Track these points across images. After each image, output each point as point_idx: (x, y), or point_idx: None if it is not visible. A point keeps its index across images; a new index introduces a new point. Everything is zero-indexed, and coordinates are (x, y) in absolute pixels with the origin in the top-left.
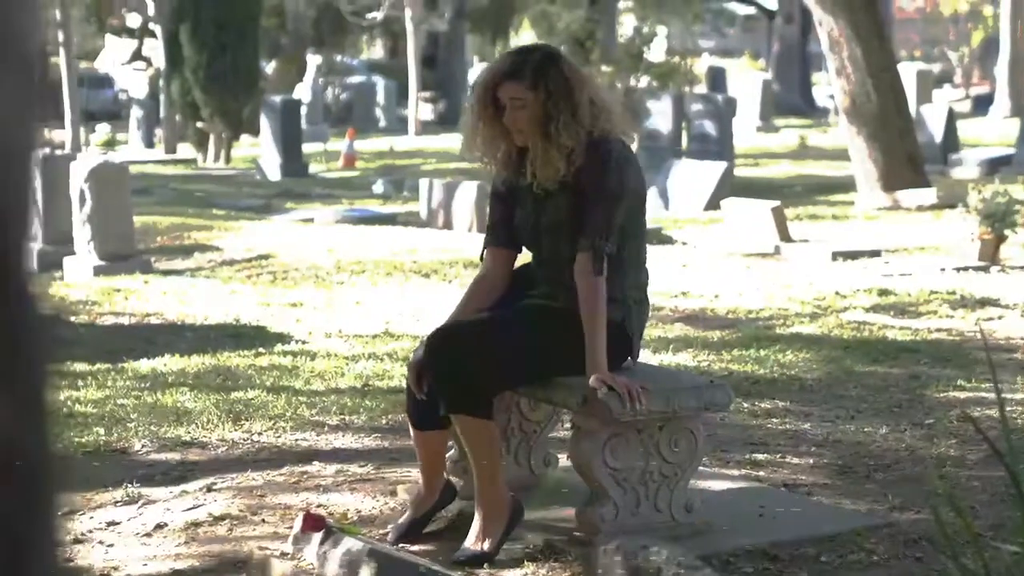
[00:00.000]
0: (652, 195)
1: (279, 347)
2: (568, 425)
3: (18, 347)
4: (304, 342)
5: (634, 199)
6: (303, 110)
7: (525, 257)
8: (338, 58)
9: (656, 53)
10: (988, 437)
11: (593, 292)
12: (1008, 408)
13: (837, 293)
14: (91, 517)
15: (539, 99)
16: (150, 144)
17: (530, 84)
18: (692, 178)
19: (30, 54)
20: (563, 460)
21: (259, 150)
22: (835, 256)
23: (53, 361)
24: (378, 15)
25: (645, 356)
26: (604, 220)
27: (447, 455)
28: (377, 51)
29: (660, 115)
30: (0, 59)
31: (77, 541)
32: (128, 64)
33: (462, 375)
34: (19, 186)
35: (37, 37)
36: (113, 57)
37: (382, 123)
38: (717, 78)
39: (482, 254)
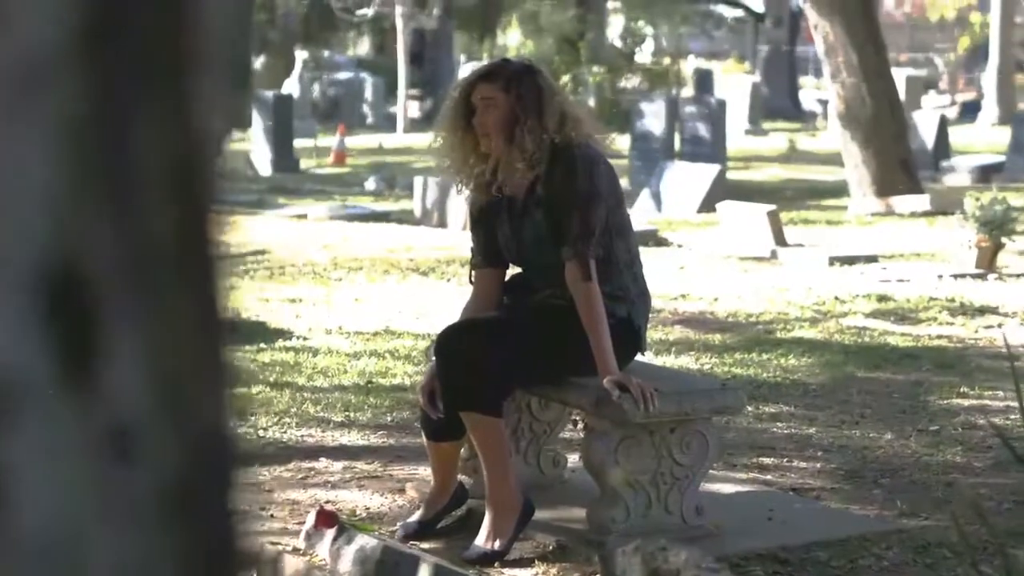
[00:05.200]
0: (645, 197)
1: (280, 343)
2: (581, 426)
3: (218, 342)
4: (305, 338)
5: (610, 197)
6: None
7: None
8: (325, 54)
9: (644, 55)
10: (1011, 446)
11: (588, 298)
12: (1015, 416)
13: (836, 298)
14: None
15: (509, 101)
16: None
17: (503, 85)
18: (685, 180)
19: (225, 54)
20: (572, 461)
21: (249, 145)
22: (832, 261)
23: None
24: (368, 11)
25: (647, 358)
26: (583, 225)
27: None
28: (363, 47)
29: (653, 117)
30: (203, 60)
31: None
32: None
33: (473, 372)
34: (219, 191)
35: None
36: None
37: (370, 120)
38: (704, 80)
39: (470, 276)
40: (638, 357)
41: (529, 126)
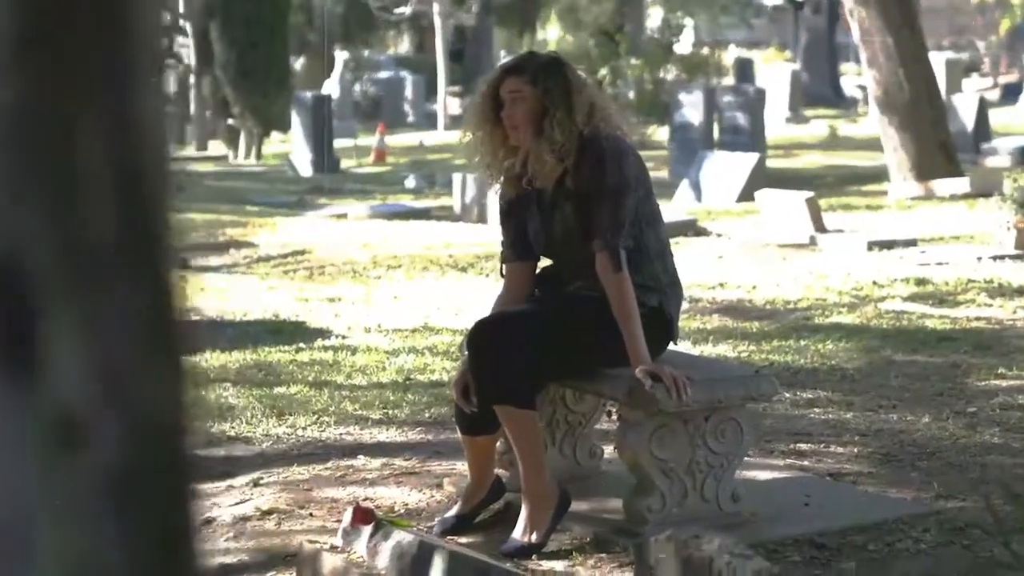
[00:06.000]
0: (684, 187)
1: (319, 342)
2: (615, 417)
3: (165, 336)
4: (344, 337)
5: (639, 188)
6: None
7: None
8: (365, 53)
9: (684, 45)
10: None
11: (619, 289)
12: None
13: (874, 283)
14: None
15: (537, 94)
16: (181, 141)
17: (530, 79)
18: (724, 170)
19: (161, 54)
20: (608, 451)
21: (290, 146)
22: (871, 246)
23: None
24: (406, 10)
25: (685, 347)
26: (613, 217)
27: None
28: (404, 46)
29: (691, 107)
30: (143, 60)
31: None
32: None
33: (505, 365)
34: (167, 188)
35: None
36: None
37: (410, 118)
38: (745, 69)
39: (501, 270)
40: (671, 346)
41: (558, 119)
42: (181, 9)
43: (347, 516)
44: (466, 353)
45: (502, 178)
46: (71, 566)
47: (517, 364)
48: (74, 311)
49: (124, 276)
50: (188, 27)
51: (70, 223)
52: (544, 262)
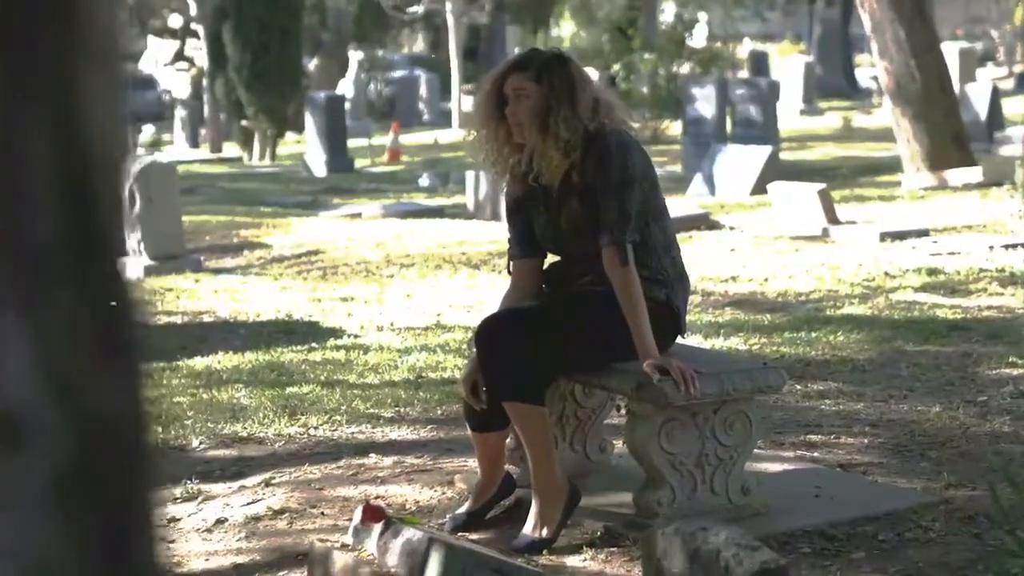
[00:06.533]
0: (698, 181)
1: (332, 341)
2: (623, 411)
3: (117, 335)
4: (356, 336)
5: (645, 181)
6: (347, 106)
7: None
8: (380, 53)
9: (697, 39)
10: None
11: (626, 283)
12: None
13: (886, 273)
14: None
15: (541, 91)
16: (195, 144)
17: (534, 76)
18: (737, 163)
19: (120, 52)
20: (619, 446)
21: (304, 147)
22: (883, 237)
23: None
24: (419, 9)
25: (697, 341)
26: (619, 211)
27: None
28: (418, 45)
29: (704, 101)
30: (94, 58)
31: None
32: (171, 65)
33: (513, 362)
34: (116, 189)
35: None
36: (156, 58)
37: (425, 117)
38: (759, 62)
39: (508, 267)
40: (679, 340)
41: (563, 115)
42: (193, 12)
43: (357, 514)
44: (474, 350)
45: (508, 175)
46: (19, 564)
47: (525, 360)
48: (19, 311)
49: (70, 276)
50: (201, 30)
51: (15, 223)
52: (551, 258)
